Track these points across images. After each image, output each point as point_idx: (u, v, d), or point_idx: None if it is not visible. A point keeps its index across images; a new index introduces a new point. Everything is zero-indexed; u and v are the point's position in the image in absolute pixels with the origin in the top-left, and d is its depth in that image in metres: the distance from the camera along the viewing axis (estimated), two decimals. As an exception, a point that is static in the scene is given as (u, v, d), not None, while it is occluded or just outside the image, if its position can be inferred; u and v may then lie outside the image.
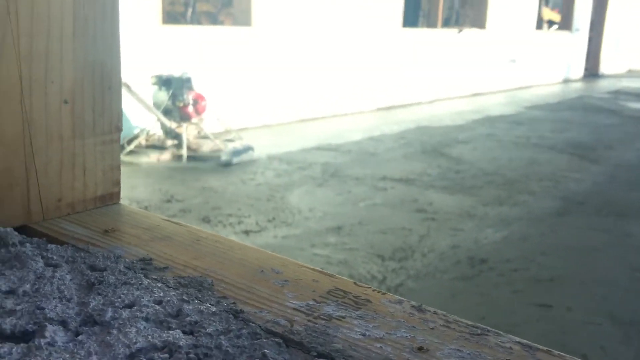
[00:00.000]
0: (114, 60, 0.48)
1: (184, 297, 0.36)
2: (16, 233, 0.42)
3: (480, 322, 0.37)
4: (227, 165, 4.53)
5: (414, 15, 9.75)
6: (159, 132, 4.86)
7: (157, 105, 4.72)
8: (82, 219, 0.46)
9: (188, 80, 4.71)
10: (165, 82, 4.67)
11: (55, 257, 0.38)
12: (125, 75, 4.57)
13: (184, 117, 4.71)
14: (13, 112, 0.42)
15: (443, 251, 3.05)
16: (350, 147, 5.48)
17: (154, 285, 0.37)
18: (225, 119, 5.37)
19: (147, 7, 5.09)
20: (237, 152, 4.68)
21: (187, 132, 4.69)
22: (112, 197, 0.50)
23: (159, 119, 4.66)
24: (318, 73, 6.80)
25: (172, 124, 4.68)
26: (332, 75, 6.98)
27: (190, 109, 4.70)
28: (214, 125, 5.30)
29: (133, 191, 3.87)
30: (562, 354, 0.34)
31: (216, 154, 4.67)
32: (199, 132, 4.84)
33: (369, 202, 3.83)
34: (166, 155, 4.63)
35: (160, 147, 4.71)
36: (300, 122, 6.70)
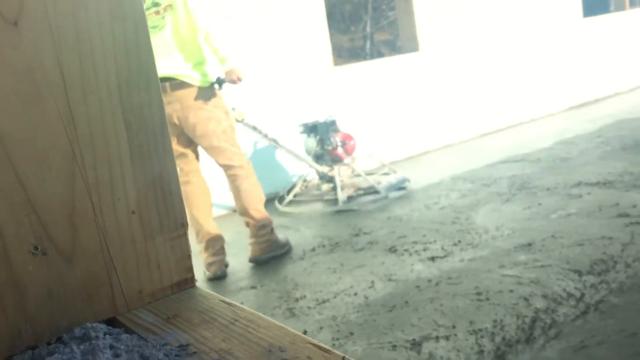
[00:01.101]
0: (170, 170, 0.57)
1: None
2: (102, 326, 0.52)
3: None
4: (383, 200, 4.55)
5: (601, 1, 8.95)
6: (316, 178, 5.04)
7: (309, 152, 4.89)
8: (158, 307, 0.56)
9: (332, 123, 4.81)
10: (311, 129, 4.82)
11: (122, 347, 0.48)
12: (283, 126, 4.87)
13: (335, 160, 4.82)
14: (89, 228, 0.54)
15: (649, 259, 2.75)
16: (539, 155, 5.17)
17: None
18: (379, 153, 5.42)
19: (319, 55, 5.41)
20: (391, 187, 4.69)
21: (340, 173, 4.79)
22: (187, 282, 0.60)
23: (311, 166, 4.83)
24: (495, 82, 6.57)
25: (324, 168, 4.82)
26: (510, 82, 6.68)
27: (340, 150, 4.80)
28: (369, 163, 5.38)
29: (323, 229, 4.10)
30: None
31: (372, 191, 4.70)
32: (352, 172, 4.91)
33: (562, 213, 3.59)
34: (318, 203, 4.75)
35: (317, 192, 4.87)
36: (482, 137, 6.50)
